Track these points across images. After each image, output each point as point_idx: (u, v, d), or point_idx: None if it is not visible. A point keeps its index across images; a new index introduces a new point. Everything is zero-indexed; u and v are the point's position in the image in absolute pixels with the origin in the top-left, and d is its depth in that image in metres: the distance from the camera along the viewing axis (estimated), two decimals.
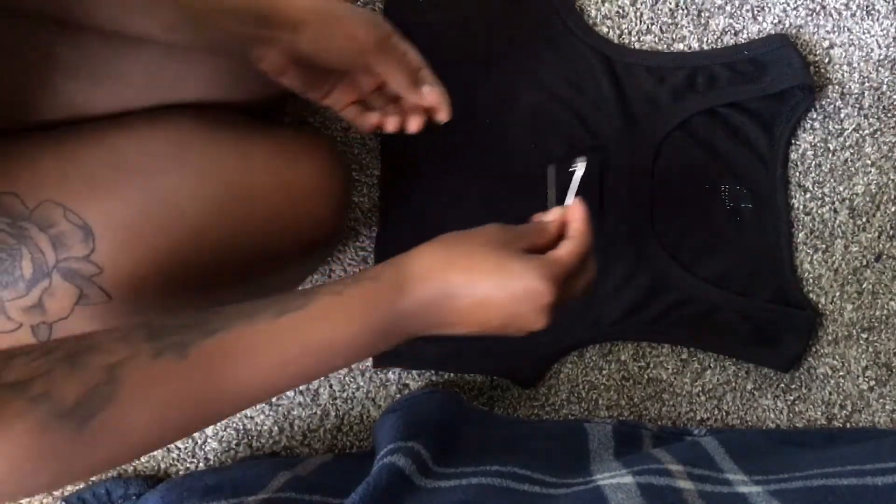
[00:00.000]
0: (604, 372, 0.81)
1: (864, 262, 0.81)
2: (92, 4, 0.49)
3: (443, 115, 0.62)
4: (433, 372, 0.80)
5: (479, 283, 0.50)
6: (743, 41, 0.82)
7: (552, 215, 0.56)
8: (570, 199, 0.56)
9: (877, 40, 0.82)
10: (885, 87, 0.82)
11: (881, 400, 0.81)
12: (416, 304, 0.49)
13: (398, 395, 0.80)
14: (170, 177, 0.58)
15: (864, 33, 0.82)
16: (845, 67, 0.82)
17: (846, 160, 0.82)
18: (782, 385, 0.81)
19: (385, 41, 0.57)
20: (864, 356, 0.81)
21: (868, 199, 0.82)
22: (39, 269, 0.55)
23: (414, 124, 0.61)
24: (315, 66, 0.57)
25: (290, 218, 0.63)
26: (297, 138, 0.67)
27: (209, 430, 0.79)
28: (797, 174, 0.82)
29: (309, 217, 0.64)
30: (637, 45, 0.81)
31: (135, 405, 0.42)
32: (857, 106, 0.82)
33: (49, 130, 0.58)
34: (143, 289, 0.57)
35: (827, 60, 0.82)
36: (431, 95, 0.60)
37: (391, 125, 0.62)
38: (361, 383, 0.80)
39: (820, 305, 0.81)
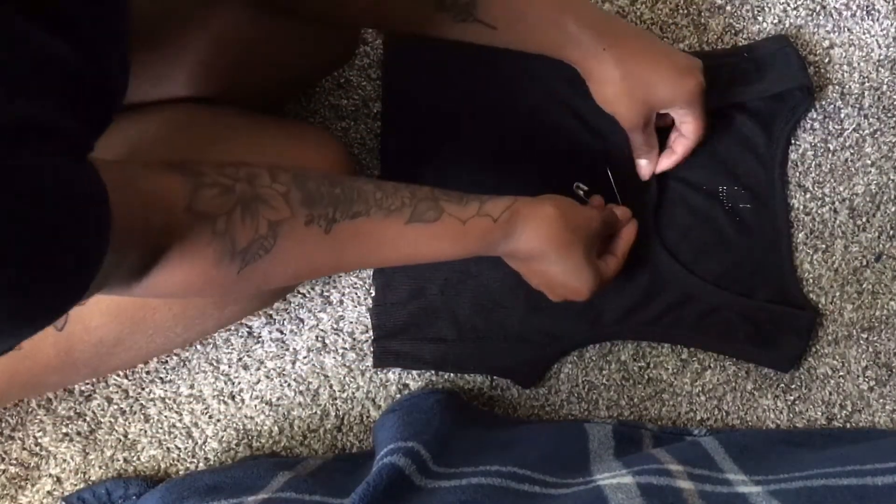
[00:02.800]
0: (604, 372, 0.81)
1: (864, 262, 0.81)
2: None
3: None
4: (433, 372, 0.80)
5: (558, 272, 0.65)
6: (743, 41, 0.82)
7: (623, 214, 0.74)
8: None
9: (877, 40, 0.82)
10: (885, 87, 0.82)
11: (881, 400, 0.81)
12: (509, 251, 0.63)
13: (398, 395, 0.80)
14: None
15: (864, 33, 0.82)
16: (845, 67, 0.82)
17: (846, 160, 0.82)
18: (782, 385, 0.81)
19: (648, 122, 0.72)
20: (864, 356, 0.81)
21: (868, 199, 0.81)
22: None
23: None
24: None
25: None
26: (306, 130, 0.69)
27: (209, 431, 0.79)
28: (797, 174, 0.82)
29: None
30: None
31: (283, 260, 0.50)
32: (857, 106, 0.82)
33: None
34: None
35: (827, 60, 0.82)
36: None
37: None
38: (361, 383, 0.80)
39: (820, 305, 0.81)
